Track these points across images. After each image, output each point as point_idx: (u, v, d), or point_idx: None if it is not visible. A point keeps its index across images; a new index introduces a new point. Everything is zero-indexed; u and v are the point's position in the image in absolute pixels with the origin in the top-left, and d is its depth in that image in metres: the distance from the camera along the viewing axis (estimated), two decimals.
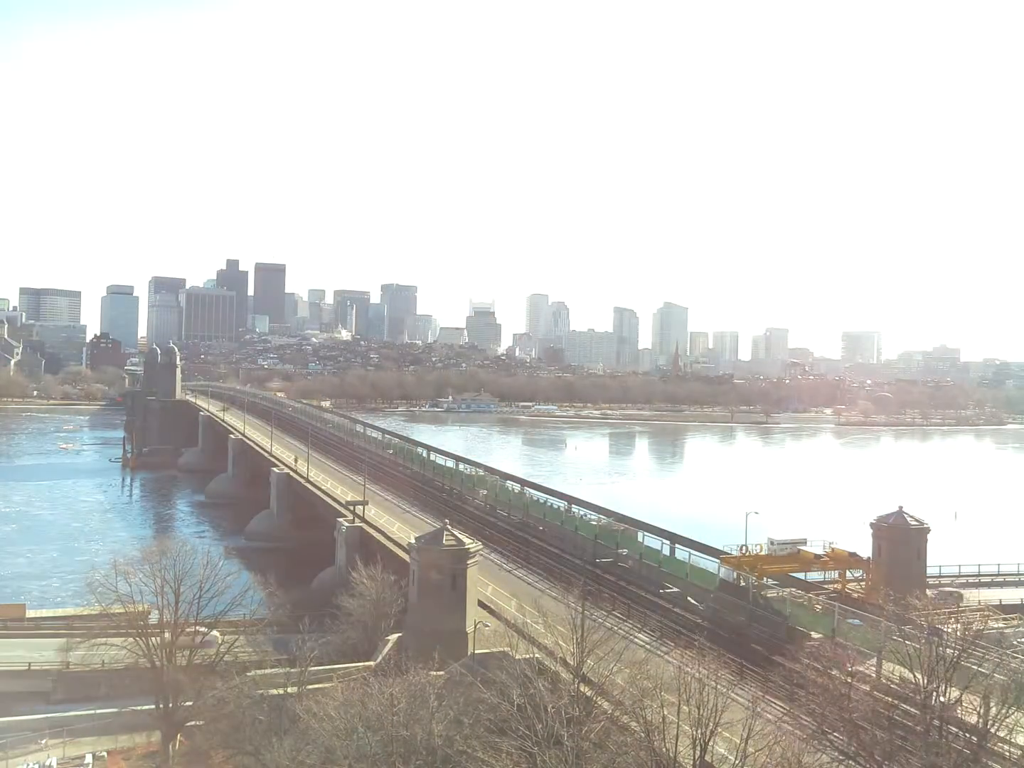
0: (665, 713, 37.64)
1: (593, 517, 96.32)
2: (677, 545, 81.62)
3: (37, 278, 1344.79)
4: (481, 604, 66.81)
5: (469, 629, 61.82)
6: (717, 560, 71.17)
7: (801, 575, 70.25)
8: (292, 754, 45.38)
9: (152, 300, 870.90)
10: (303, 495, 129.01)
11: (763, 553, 68.77)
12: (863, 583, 70.43)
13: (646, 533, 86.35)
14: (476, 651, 59.09)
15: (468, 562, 62.67)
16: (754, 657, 55.98)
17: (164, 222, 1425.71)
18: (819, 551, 71.15)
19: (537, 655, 50.03)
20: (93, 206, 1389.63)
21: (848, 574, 71.25)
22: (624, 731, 39.85)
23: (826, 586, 72.37)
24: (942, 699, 36.70)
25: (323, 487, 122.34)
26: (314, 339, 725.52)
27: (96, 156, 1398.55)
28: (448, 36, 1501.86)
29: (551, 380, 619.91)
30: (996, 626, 63.57)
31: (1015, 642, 55.23)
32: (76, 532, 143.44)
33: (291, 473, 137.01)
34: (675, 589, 74.22)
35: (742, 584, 65.45)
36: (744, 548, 68.95)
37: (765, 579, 66.76)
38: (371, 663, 59.22)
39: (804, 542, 71.36)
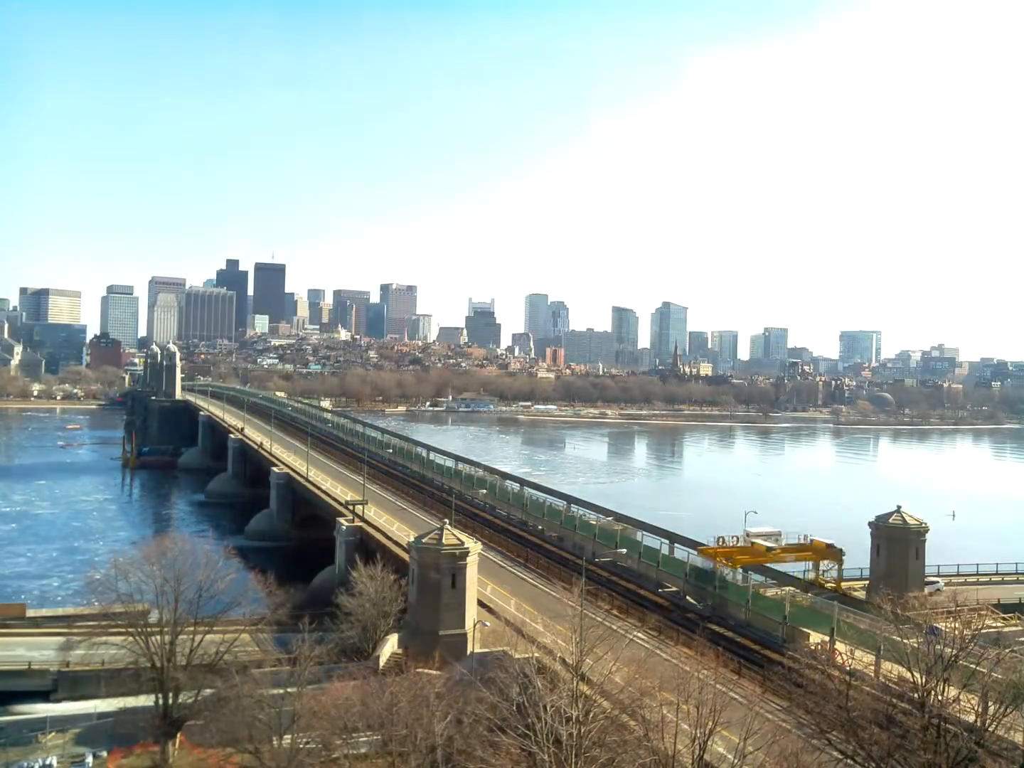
0: (664, 712, 37.74)
1: (592, 516, 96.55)
2: (676, 544, 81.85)
3: (37, 278, 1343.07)
4: (481, 603, 66.89)
5: (468, 628, 61.94)
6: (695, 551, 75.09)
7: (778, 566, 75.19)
8: (292, 753, 45.50)
9: (152, 300, 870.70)
10: (303, 495, 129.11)
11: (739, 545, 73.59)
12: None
13: (645, 532, 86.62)
14: (476, 650, 59.23)
15: (467, 561, 62.78)
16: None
17: (164, 222, 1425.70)
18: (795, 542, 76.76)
19: (536, 654, 50.15)
20: (93, 206, 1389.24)
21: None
22: (623, 730, 39.93)
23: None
24: (940, 698, 36.81)
25: (323, 487, 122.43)
26: (314, 339, 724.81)
27: (96, 156, 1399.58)
28: (441, 32, 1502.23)
29: (550, 380, 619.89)
30: (994, 625, 63.74)
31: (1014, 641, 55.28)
32: (76, 531, 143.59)
33: (291, 473, 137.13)
34: (674, 588, 74.42)
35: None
36: (721, 539, 73.96)
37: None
38: (371, 662, 59.31)
39: (780, 535, 75.92)
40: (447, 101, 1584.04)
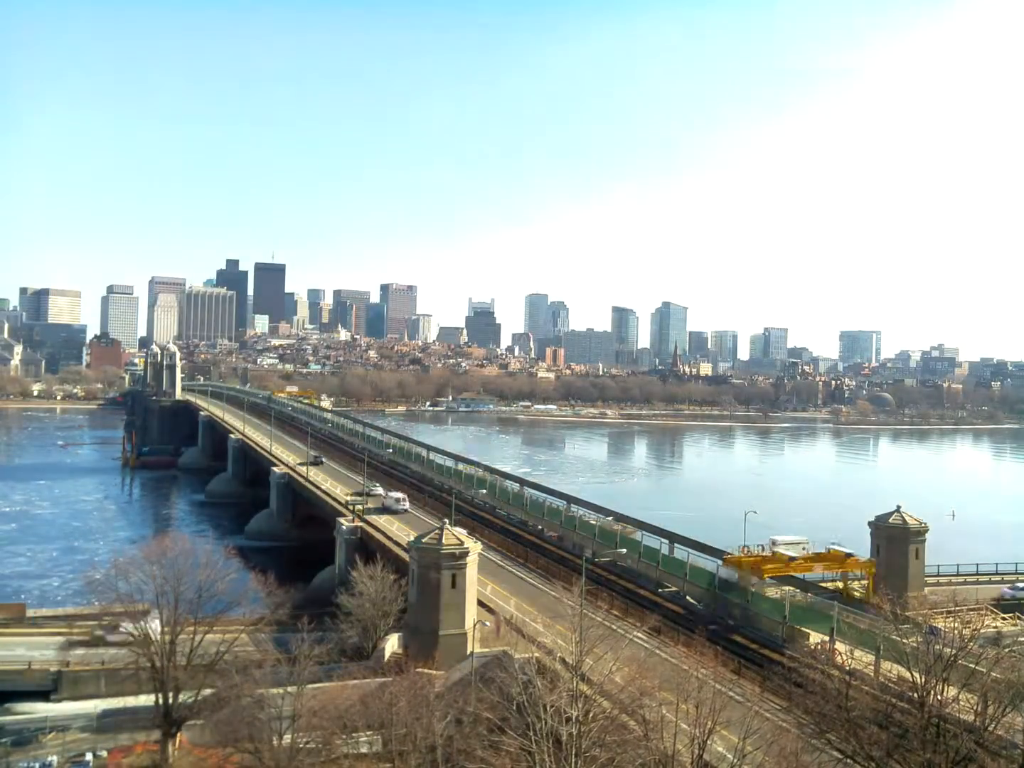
0: (664, 712, 37.76)
1: (592, 516, 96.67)
2: (676, 544, 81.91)
3: (37, 278, 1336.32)
4: (481, 603, 66.90)
5: (468, 628, 61.95)
6: (718, 560, 72.71)
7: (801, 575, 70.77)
8: (292, 753, 45.54)
9: (152, 300, 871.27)
10: (303, 495, 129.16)
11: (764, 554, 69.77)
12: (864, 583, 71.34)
13: (645, 532, 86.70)
14: (476, 650, 59.22)
15: (467, 561, 62.80)
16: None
17: (164, 222, 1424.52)
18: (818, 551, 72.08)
19: (536, 654, 50.18)
20: (93, 206, 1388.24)
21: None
22: (623, 729, 39.95)
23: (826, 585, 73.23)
24: (939, 697, 36.83)
25: (323, 487, 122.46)
26: (313, 339, 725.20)
27: (96, 155, 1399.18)
28: (439, 28, 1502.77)
29: (550, 380, 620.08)
30: (994, 625, 63.76)
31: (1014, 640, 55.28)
32: (76, 531, 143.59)
33: (291, 473, 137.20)
34: (673, 588, 74.47)
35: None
36: (745, 548, 70.04)
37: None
38: (371, 662, 59.34)
39: (806, 543, 72.33)
40: (446, 102, 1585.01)
